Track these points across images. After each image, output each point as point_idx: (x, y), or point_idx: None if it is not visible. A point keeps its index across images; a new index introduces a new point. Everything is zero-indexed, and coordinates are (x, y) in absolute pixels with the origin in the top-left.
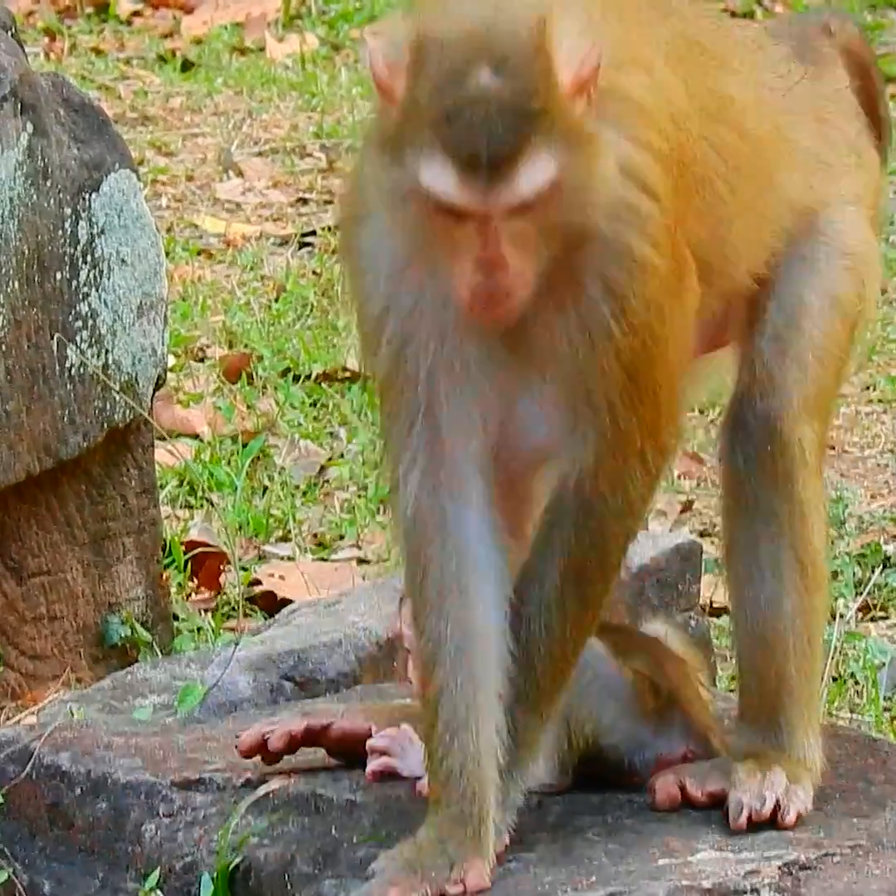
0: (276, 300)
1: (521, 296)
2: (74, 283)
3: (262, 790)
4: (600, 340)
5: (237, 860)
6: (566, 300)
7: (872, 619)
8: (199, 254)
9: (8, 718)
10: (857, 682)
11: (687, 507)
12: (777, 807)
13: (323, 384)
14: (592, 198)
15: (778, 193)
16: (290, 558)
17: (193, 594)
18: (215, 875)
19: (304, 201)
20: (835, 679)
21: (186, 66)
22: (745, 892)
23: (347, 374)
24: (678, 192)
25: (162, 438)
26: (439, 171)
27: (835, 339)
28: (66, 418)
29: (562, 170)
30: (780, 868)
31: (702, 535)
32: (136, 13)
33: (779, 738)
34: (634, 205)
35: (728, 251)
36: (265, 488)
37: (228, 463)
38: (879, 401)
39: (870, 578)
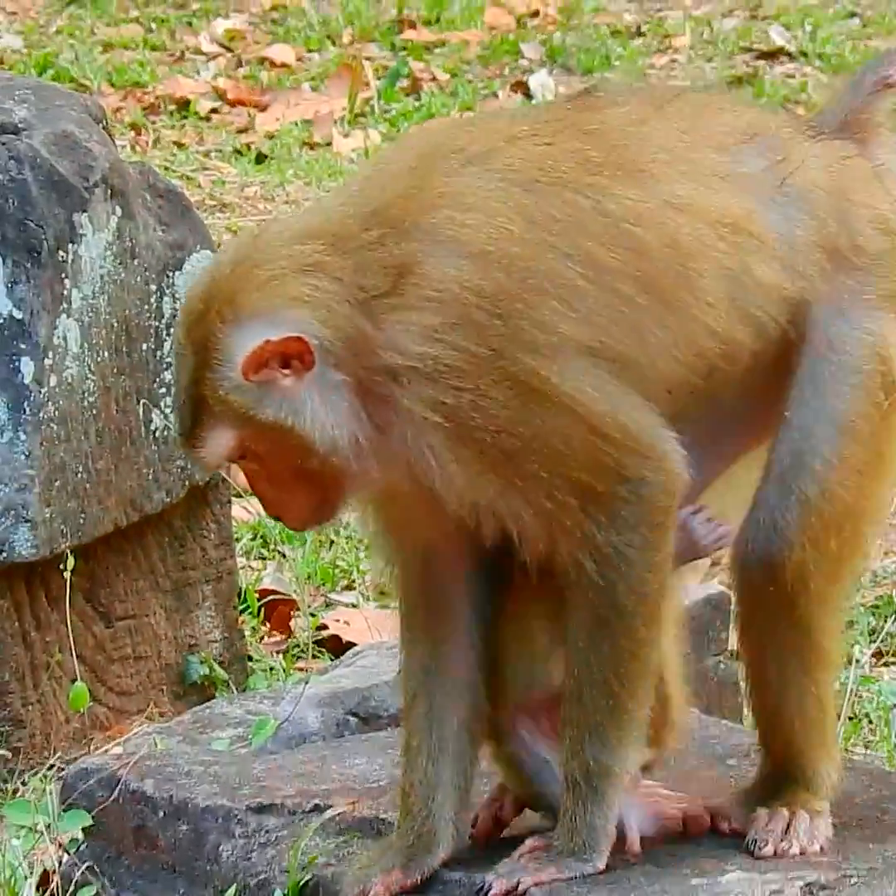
0: None
1: (300, 519)
2: (159, 353)
3: (328, 814)
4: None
5: (306, 878)
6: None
7: (886, 664)
8: None
9: (97, 748)
10: (871, 722)
11: (716, 560)
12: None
13: None
14: (310, 443)
15: (722, 292)
16: (354, 605)
17: (266, 637)
18: (287, 891)
19: None
20: (851, 719)
21: (260, 158)
22: None
23: None
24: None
25: (239, 495)
26: None
27: (850, 467)
28: (151, 476)
29: (249, 436)
30: (802, 888)
31: (730, 586)
32: (214, 110)
33: (798, 778)
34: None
35: (657, 350)
36: (332, 541)
37: None
38: None
39: (883, 627)
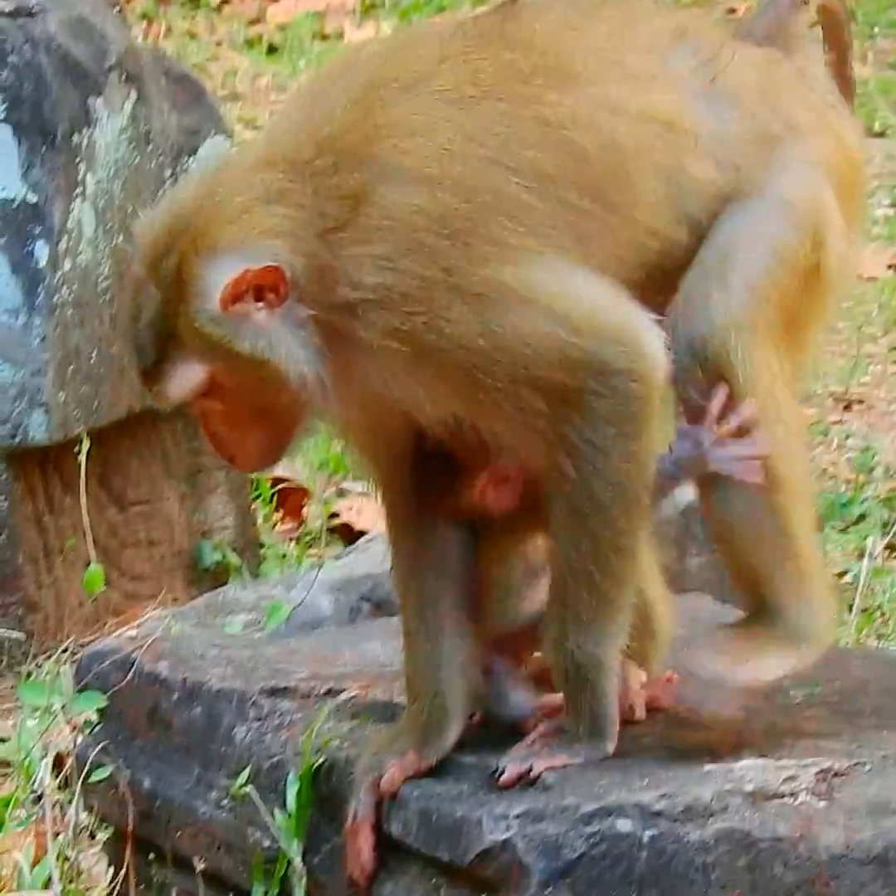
0: None
1: (251, 461)
2: None
3: (342, 697)
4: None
5: (320, 761)
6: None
7: None
8: None
9: (111, 632)
10: (883, 614)
11: None
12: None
13: None
14: (282, 378)
15: (661, 191)
16: (365, 494)
17: (279, 524)
18: (300, 773)
19: None
20: (864, 611)
21: (271, 49)
22: (784, 796)
23: None
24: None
25: None
26: None
27: (774, 280)
28: None
29: (220, 370)
30: (816, 774)
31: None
32: (226, 1)
33: (760, 613)
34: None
35: (603, 254)
36: None
37: None
38: None
39: (895, 520)
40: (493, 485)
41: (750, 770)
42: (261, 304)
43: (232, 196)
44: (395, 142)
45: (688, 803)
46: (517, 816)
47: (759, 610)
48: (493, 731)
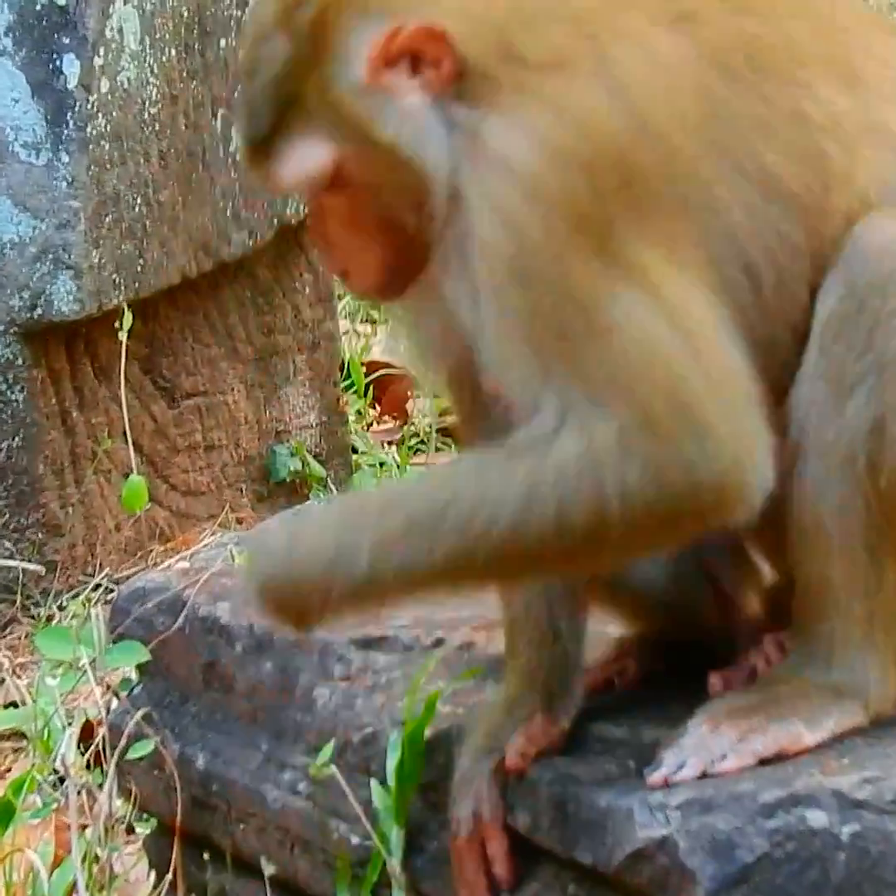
0: None
1: (364, 277)
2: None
3: (454, 647)
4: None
5: (427, 731)
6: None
7: None
8: None
9: (157, 563)
10: None
11: None
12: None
13: None
14: (422, 184)
15: None
16: None
17: (376, 423)
18: (401, 746)
19: None
20: None
21: None
22: None
23: None
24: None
25: None
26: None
27: None
28: (228, 212)
29: (349, 156)
30: None
31: None
32: None
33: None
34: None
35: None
36: None
37: None
38: None
39: None
40: None
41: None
42: (416, 81)
43: None
44: (633, 58)
45: None
46: (678, 807)
47: (808, 651)
48: (651, 693)
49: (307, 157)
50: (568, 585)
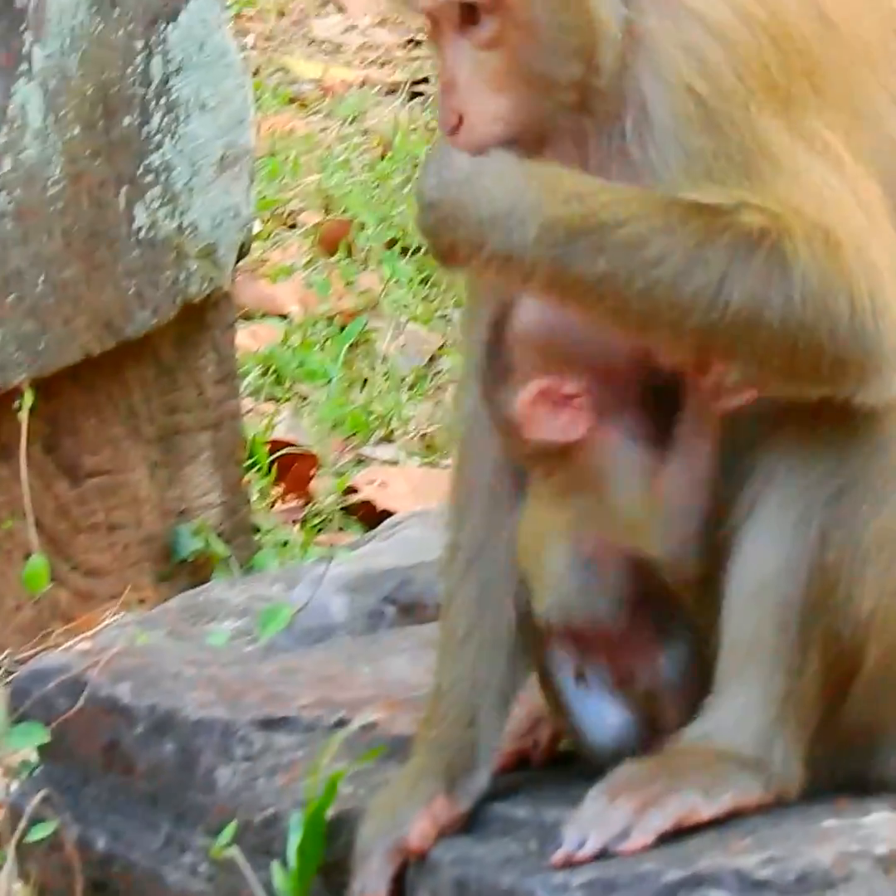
0: (382, 158)
1: (480, 128)
2: (145, 129)
3: (355, 724)
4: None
5: (327, 813)
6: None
7: None
8: (290, 102)
9: (58, 644)
10: None
11: None
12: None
13: None
14: (592, 26)
15: None
16: (393, 462)
17: (279, 503)
18: (303, 828)
19: (416, 43)
20: None
21: None
22: None
23: None
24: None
25: (245, 318)
26: None
27: None
28: (132, 290)
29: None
30: None
31: None
32: None
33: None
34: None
35: None
36: (365, 380)
37: (322, 348)
38: None
39: None
40: (544, 404)
41: (882, 827)
42: None
43: None
44: None
45: (802, 870)
46: (581, 887)
47: (719, 717)
48: (555, 772)
49: None
50: (504, 675)
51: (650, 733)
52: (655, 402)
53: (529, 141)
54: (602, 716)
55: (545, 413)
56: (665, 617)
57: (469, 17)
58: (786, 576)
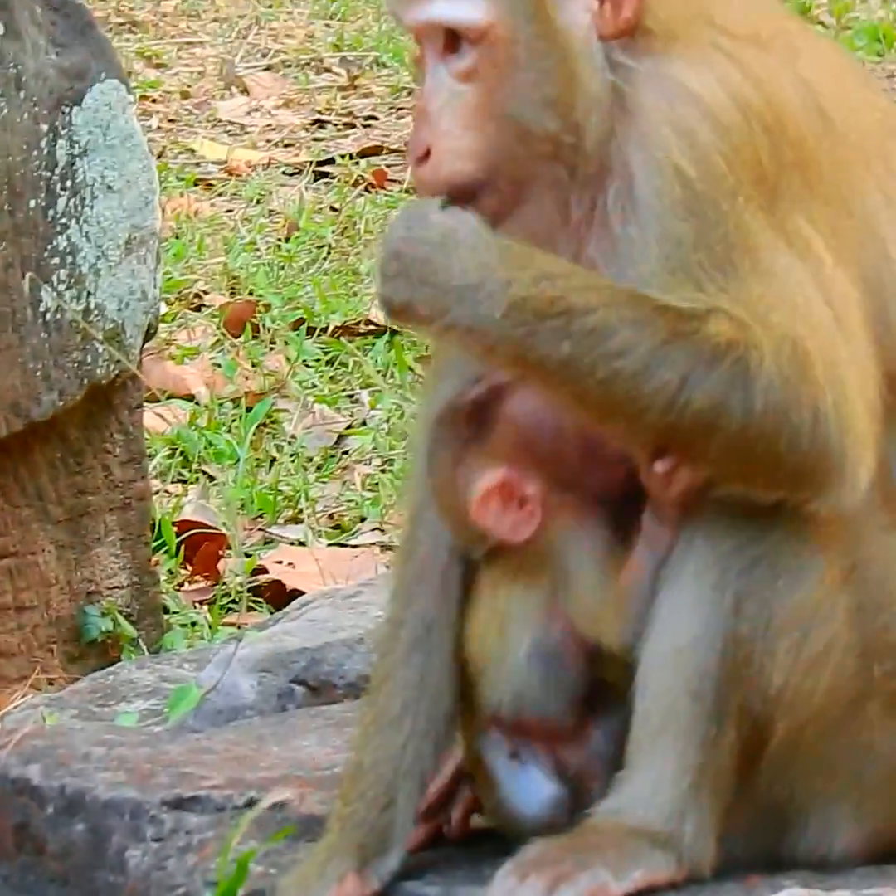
0: (287, 239)
1: (447, 164)
2: (51, 212)
3: (265, 803)
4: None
5: (239, 891)
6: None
7: None
8: (195, 184)
9: None
10: None
11: None
12: None
13: (341, 338)
14: (573, 85)
15: None
16: (301, 543)
17: (187, 583)
18: None
19: (321, 124)
20: None
21: None
22: None
23: (370, 327)
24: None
25: (152, 399)
26: None
27: None
28: (39, 372)
29: (508, 21)
30: None
31: None
32: None
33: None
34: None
35: None
36: (272, 460)
37: (229, 430)
38: None
39: None
40: (500, 499)
41: None
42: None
43: None
44: (814, 43)
45: None
46: None
47: (631, 792)
48: (467, 849)
49: (463, 5)
50: (429, 760)
51: (580, 806)
52: (617, 494)
53: (504, 185)
54: (533, 790)
55: (497, 508)
56: (601, 699)
57: (451, 44)
58: (702, 644)
